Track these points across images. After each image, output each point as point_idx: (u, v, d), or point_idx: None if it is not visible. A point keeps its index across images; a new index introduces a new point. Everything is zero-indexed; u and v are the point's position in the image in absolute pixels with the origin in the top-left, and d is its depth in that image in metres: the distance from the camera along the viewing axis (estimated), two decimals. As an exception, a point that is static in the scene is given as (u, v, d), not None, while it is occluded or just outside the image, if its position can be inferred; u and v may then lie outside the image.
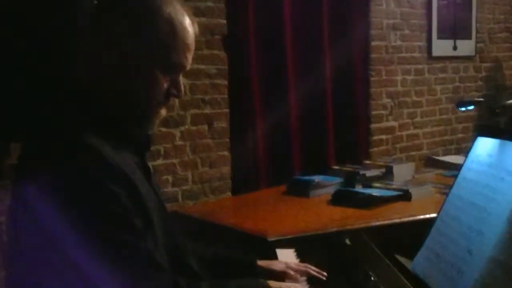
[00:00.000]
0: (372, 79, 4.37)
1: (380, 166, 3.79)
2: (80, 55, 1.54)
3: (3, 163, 2.60)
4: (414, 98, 4.69)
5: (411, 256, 1.83)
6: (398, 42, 4.53)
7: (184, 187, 3.40)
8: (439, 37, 4.77)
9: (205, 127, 3.47)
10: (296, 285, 1.79)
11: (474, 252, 1.50)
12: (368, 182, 3.56)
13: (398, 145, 4.59)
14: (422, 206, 3.14)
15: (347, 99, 4.18)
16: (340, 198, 3.25)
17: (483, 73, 5.23)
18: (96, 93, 1.45)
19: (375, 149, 4.41)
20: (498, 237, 1.44)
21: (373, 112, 4.40)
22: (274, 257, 2.13)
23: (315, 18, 3.93)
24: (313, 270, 1.88)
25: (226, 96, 3.54)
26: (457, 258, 1.56)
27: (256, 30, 3.62)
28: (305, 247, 2.25)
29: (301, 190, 3.44)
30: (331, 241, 2.23)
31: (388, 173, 3.71)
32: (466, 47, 5.02)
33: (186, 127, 3.39)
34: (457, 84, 5.02)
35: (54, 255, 1.28)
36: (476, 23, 5.09)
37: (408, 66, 4.62)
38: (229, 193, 3.60)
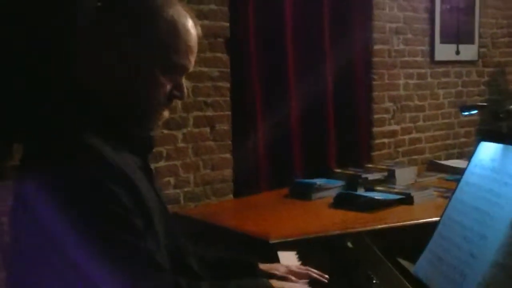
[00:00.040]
0: (374, 82, 4.36)
1: (382, 170, 3.79)
2: (80, 55, 1.54)
3: (4, 163, 2.60)
4: (417, 102, 4.68)
5: (413, 259, 1.82)
6: (401, 46, 4.53)
7: (186, 189, 3.40)
8: (442, 42, 4.77)
9: (207, 129, 3.47)
10: (298, 285, 1.78)
11: (477, 256, 1.50)
12: (370, 186, 3.56)
13: (400, 149, 4.58)
14: (424, 210, 3.14)
15: (349, 102, 4.18)
16: (342, 201, 3.25)
17: (486, 78, 5.22)
18: (96, 93, 1.44)
19: (377, 152, 4.41)
20: (501, 241, 1.44)
21: (376, 116, 4.39)
22: (276, 259, 2.12)
23: (317, 22, 3.93)
24: (314, 273, 1.88)
25: (228, 98, 3.54)
26: (460, 261, 1.56)
27: (258, 33, 3.62)
28: (307, 249, 2.25)
29: (303, 193, 3.44)
30: (333, 244, 2.23)
31: (390, 177, 3.71)
32: (469, 51, 5.02)
33: (188, 129, 3.39)
34: (459, 88, 5.01)
35: (54, 255, 1.28)
36: (479, 28, 5.08)
37: (410, 70, 4.62)
38: (231, 196, 3.60)
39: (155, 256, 1.36)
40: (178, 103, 3.26)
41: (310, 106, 3.88)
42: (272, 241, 2.59)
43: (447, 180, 3.87)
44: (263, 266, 1.87)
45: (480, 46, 5.11)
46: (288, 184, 3.60)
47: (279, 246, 2.44)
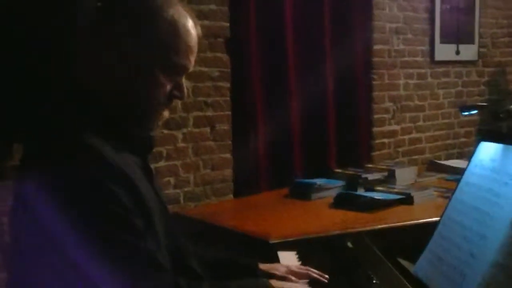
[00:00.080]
0: (374, 82, 4.36)
1: (382, 170, 3.79)
2: (80, 55, 1.54)
3: (4, 163, 2.60)
4: (417, 102, 4.68)
5: (413, 259, 1.82)
6: (401, 46, 4.53)
7: (186, 189, 3.40)
8: (442, 42, 4.77)
9: (207, 129, 3.47)
10: (298, 285, 1.79)
11: (477, 256, 1.50)
12: (370, 186, 3.56)
13: (400, 149, 4.58)
14: (424, 210, 3.14)
15: (349, 102, 4.18)
16: (342, 201, 3.25)
17: (486, 78, 5.22)
18: (96, 93, 1.44)
19: (377, 152, 4.41)
20: (501, 241, 1.44)
21: (376, 116, 4.39)
22: (276, 259, 2.13)
23: (318, 21, 3.93)
24: (314, 273, 1.88)
25: (228, 98, 3.54)
26: (460, 261, 1.56)
27: (258, 33, 3.62)
28: (307, 249, 2.25)
29: (303, 193, 3.44)
30: (333, 244, 2.23)
31: (390, 177, 3.71)
32: (469, 51, 5.02)
33: (189, 129, 3.39)
34: (459, 88, 5.01)
35: (54, 255, 1.28)
36: (479, 27, 5.08)
37: (410, 70, 4.62)
38: (231, 196, 3.60)
39: (155, 256, 1.36)
40: (178, 103, 3.26)
41: (310, 106, 3.87)
42: (272, 241, 2.59)
43: (447, 180, 3.87)
44: (263, 266, 1.87)
45: (480, 46, 5.11)
46: (288, 184, 3.60)
47: (279, 246, 2.44)
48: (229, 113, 3.55)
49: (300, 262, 2.08)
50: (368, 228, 2.79)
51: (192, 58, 1.51)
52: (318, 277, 1.87)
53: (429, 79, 4.76)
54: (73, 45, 2.27)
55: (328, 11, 3.97)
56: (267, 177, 3.72)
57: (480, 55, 5.13)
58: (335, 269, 1.95)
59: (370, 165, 3.99)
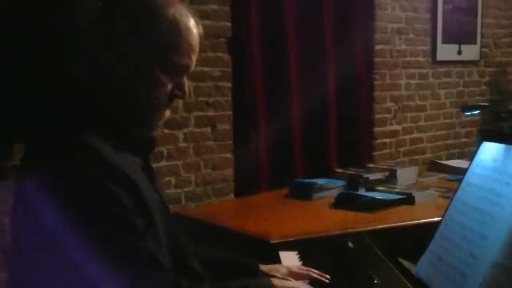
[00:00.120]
0: (376, 82, 4.36)
1: (383, 170, 3.79)
2: (80, 55, 1.54)
3: (5, 163, 2.60)
4: (418, 102, 4.68)
5: (414, 260, 1.82)
6: (403, 46, 4.53)
7: (186, 189, 3.40)
8: (443, 42, 4.76)
9: (209, 129, 3.47)
10: (300, 284, 1.78)
11: (478, 256, 1.50)
12: (371, 186, 3.56)
13: (401, 149, 4.58)
14: (425, 210, 3.14)
15: (350, 102, 4.18)
16: (343, 201, 3.25)
17: (487, 78, 5.22)
18: (96, 93, 1.44)
19: (379, 152, 4.41)
20: (502, 242, 1.44)
21: (377, 116, 4.39)
22: (277, 259, 2.12)
23: (319, 22, 3.93)
24: (315, 273, 1.88)
25: (229, 98, 3.54)
26: (461, 262, 1.55)
27: (260, 33, 3.62)
28: (308, 249, 2.25)
29: (304, 193, 3.44)
30: (334, 244, 2.23)
31: (391, 177, 3.71)
32: (470, 51, 5.01)
33: (190, 129, 3.39)
34: (461, 88, 5.01)
35: (54, 255, 1.28)
36: (481, 28, 5.08)
37: (412, 70, 4.62)
38: (232, 195, 3.60)
39: (156, 256, 1.36)
40: (179, 103, 3.26)
41: (312, 106, 3.87)
42: (273, 241, 2.59)
43: (448, 180, 3.87)
44: (264, 268, 1.87)
45: (482, 46, 5.11)
46: (289, 184, 3.60)
47: (280, 246, 2.44)
48: (230, 113, 3.55)
49: (301, 262, 2.08)
50: (369, 228, 2.79)
51: (194, 58, 1.50)
52: (319, 277, 1.86)
53: (431, 79, 4.76)
54: (73, 45, 2.27)
55: (330, 11, 3.97)
56: (268, 177, 3.72)
57: (481, 55, 5.13)
58: (336, 269, 1.94)
59: (371, 165, 3.99)
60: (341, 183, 3.59)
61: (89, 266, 1.25)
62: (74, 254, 1.25)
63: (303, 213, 3.16)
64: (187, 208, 3.37)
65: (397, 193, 3.36)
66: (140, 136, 1.51)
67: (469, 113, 3.51)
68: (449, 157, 4.84)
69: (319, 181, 3.53)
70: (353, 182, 3.58)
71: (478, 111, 3.48)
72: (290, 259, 2.13)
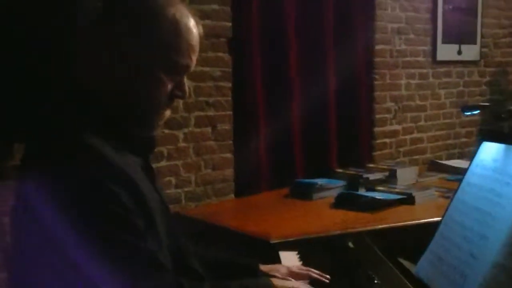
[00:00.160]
0: (376, 82, 4.36)
1: (383, 170, 3.78)
2: (80, 55, 1.54)
3: (5, 163, 2.60)
4: (418, 102, 4.68)
5: (414, 260, 1.82)
6: (403, 46, 4.53)
7: (187, 189, 3.40)
8: (443, 42, 4.76)
9: (209, 129, 3.47)
10: (300, 284, 1.78)
11: (478, 256, 1.50)
12: (371, 186, 3.56)
13: (401, 149, 4.58)
14: (425, 210, 3.14)
15: (350, 102, 4.18)
16: (343, 201, 3.25)
17: (488, 78, 5.22)
18: (96, 93, 1.44)
19: (379, 152, 4.41)
20: (502, 242, 1.43)
21: (377, 116, 4.39)
22: (277, 259, 2.12)
23: (319, 22, 3.93)
24: (315, 273, 1.88)
25: (230, 98, 3.53)
26: (461, 262, 1.55)
27: (260, 33, 3.62)
28: (308, 250, 2.25)
29: (304, 193, 3.44)
30: (334, 244, 2.23)
31: (391, 177, 3.71)
32: (470, 51, 5.01)
33: (190, 129, 3.39)
34: (461, 88, 5.01)
35: (54, 255, 1.28)
36: (481, 28, 5.08)
37: (412, 70, 4.62)
38: (232, 195, 3.60)
39: (156, 256, 1.36)
40: (179, 103, 3.25)
41: (312, 106, 3.87)
42: (273, 241, 2.59)
43: (448, 180, 3.87)
44: (264, 268, 1.87)
45: (482, 46, 5.11)
46: (289, 184, 3.60)
47: (280, 246, 2.44)
48: (231, 113, 3.55)
49: (301, 262, 2.08)
50: (369, 228, 2.79)
51: (194, 57, 1.50)
52: (319, 277, 1.86)
53: (431, 79, 4.76)
54: (73, 45, 2.27)
55: (330, 11, 3.96)
56: (268, 177, 3.72)
57: (482, 55, 5.13)
58: (336, 269, 1.94)
59: (371, 165, 3.99)
60: (341, 183, 3.58)
61: (89, 266, 1.25)
62: (74, 254, 1.25)
63: (303, 213, 3.16)
64: (187, 208, 3.37)
65: (397, 193, 3.36)
66: (140, 136, 1.51)
67: (469, 113, 3.52)
68: (449, 157, 4.84)
69: (319, 181, 3.53)
70: (353, 182, 3.58)
71: (478, 111, 3.49)
72: (290, 259, 2.13)
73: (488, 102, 4.97)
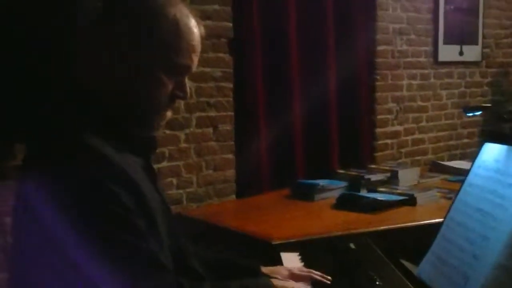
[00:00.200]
0: (377, 83, 4.36)
1: (385, 171, 3.78)
2: (80, 55, 1.54)
3: (6, 163, 2.60)
4: (420, 103, 4.68)
5: (415, 261, 1.82)
6: (404, 47, 4.52)
7: (188, 190, 3.40)
8: (445, 43, 4.76)
9: (210, 130, 3.47)
10: (300, 285, 1.78)
11: (480, 258, 1.49)
12: (373, 187, 3.55)
13: (403, 150, 4.58)
14: (427, 211, 3.13)
15: (352, 103, 4.17)
16: (345, 202, 3.24)
17: (489, 79, 5.21)
18: (96, 93, 1.44)
19: (380, 153, 4.40)
20: (504, 243, 1.43)
21: (378, 117, 4.39)
22: (278, 260, 2.12)
23: (321, 22, 3.92)
24: (316, 274, 1.87)
25: (231, 99, 3.53)
26: (462, 263, 1.55)
27: (261, 34, 3.62)
28: (309, 251, 2.25)
29: (306, 193, 3.43)
30: (335, 245, 2.22)
31: (393, 178, 3.70)
32: (472, 52, 5.01)
33: (191, 129, 3.39)
34: (463, 89, 5.00)
35: (54, 255, 1.28)
36: (483, 28, 5.07)
37: (414, 71, 4.61)
38: (233, 196, 3.60)
39: (157, 257, 1.36)
40: (181, 104, 3.26)
41: (313, 106, 3.87)
42: (274, 242, 2.58)
43: (450, 181, 3.86)
44: (265, 270, 1.86)
45: (483, 47, 5.10)
46: (291, 185, 3.59)
47: (281, 247, 2.43)
48: (232, 113, 3.55)
49: (302, 264, 2.08)
50: (370, 229, 2.78)
51: (195, 58, 1.50)
52: (320, 278, 1.86)
53: (432, 80, 4.75)
54: (73, 45, 2.27)
55: (331, 11, 3.96)
56: (270, 177, 3.71)
57: (483, 56, 5.12)
58: (338, 270, 1.94)
59: (372, 166, 3.98)
60: (342, 184, 3.58)
61: (89, 266, 1.24)
62: (74, 254, 1.25)
63: (304, 214, 3.15)
64: (188, 209, 3.37)
65: (399, 194, 3.35)
66: (140, 136, 1.51)
67: (471, 114, 3.51)
68: (451, 158, 4.84)
69: (321, 182, 3.52)
70: (355, 183, 3.57)
71: (480, 112, 3.48)
72: (291, 260, 2.13)
73: (490, 103, 4.98)
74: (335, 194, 3.41)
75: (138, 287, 1.29)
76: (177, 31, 1.44)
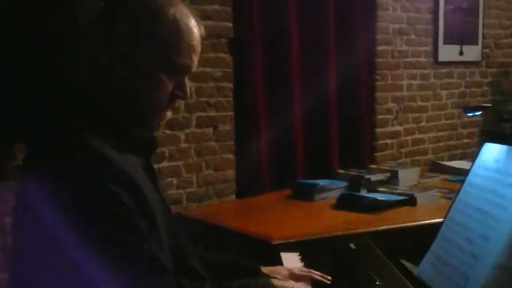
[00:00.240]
0: (377, 83, 4.35)
1: (385, 171, 3.78)
2: (80, 55, 1.54)
3: (6, 163, 2.60)
4: (420, 103, 4.67)
5: (415, 261, 1.82)
6: (404, 47, 4.52)
7: (188, 190, 3.40)
8: (445, 42, 4.76)
9: (210, 129, 3.47)
10: (300, 284, 1.78)
11: (480, 258, 1.49)
12: (373, 187, 3.55)
13: (403, 150, 4.57)
14: (427, 211, 3.13)
15: (352, 103, 4.17)
16: (345, 202, 3.25)
17: (489, 79, 5.21)
18: (96, 93, 1.44)
19: (380, 153, 4.40)
20: (504, 243, 1.43)
21: (379, 117, 4.39)
22: (279, 260, 2.12)
23: (321, 22, 3.92)
24: (317, 274, 1.87)
25: (231, 99, 3.53)
26: (462, 263, 1.55)
27: (262, 34, 3.61)
28: (309, 251, 2.25)
29: (306, 194, 3.44)
30: (335, 245, 2.22)
31: (393, 178, 3.71)
32: (472, 52, 5.01)
33: (191, 129, 3.39)
34: (463, 89, 5.00)
35: (54, 255, 1.28)
36: (483, 28, 5.07)
37: (414, 71, 4.61)
38: (233, 196, 3.59)
39: (157, 257, 1.36)
40: (181, 104, 3.26)
41: (313, 106, 3.87)
42: (274, 242, 2.58)
43: (450, 181, 3.87)
44: (265, 270, 1.86)
45: (483, 47, 5.10)
46: (291, 185, 3.59)
47: (281, 247, 2.43)
48: (232, 113, 3.55)
49: (302, 264, 2.08)
50: (370, 229, 2.78)
51: (195, 58, 1.50)
52: (320, 278, 1.86)
53: (432, 80, 4.75)
54: (73, 45, 2.27)
55: (332, 11, 3.96)
56: (270, 177, 3.71)
57: (483, 56, 5.12)
58: (338, 270, 1.94)
59: (373, 166, 3.98)
60: (343, 184, 3.58)
61: (89, 266, 1.24)
62: (74, 254, 1.25)
63: (304, 214, 3.15)
64: (188, 209, 3.37)
65: (399, 194, 3.35)
66: (140, 136, 1.51)
67: (471, 114, 3.51)
68: (451, 158, 4.84)
69: (321, 182, 3.52)
70: (355, 183, 3.58)
71: (480, 112, 3.48)
72: (291, 260, 2.13)
73: (490, 103, 4.97)
74: (335, 194, 3.41)
75: (138, 287, 1.29)
76: (177, 31, 1.44)
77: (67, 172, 1.29)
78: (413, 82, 4.61)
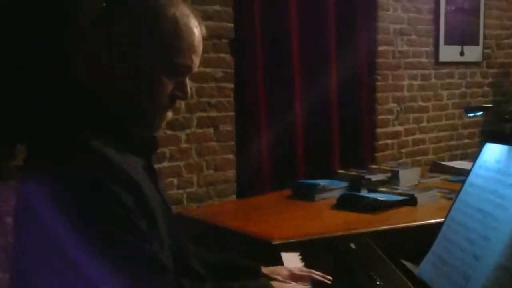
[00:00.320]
0: (378, 84, 4.36)
1: (385, 171, 3.78)
2: (80, 55, 1.54)
3: (6, 163, 2.60)
4: (420, 103, 4.68)
5: (416, 261, 1.82)
6: (405, 47, 4.52)
7: (189, 190, 3.40)
8: (446, 43, 4.76)
9: (211, 130, 3.47)
10: (300, 286, 1.78)
11: (481, 258, 1.49)
12: (373, 187, 3.55)
13: (403, 150, 4.58)
14: (427, 211, 3.13)
15: (353, 103, 4.17)
16: (345, 202, 3.24)
17: (490, 79, 5.21)
18: (96, 93, 1.44)
19: (381, 153, 4.40)
20: (505, 243, 1.43)
21: (379, 117, 4.39)
22: (279, 260, 2.12)
23: (322, 23, 3.92)
24: (317, 275, 1.87)
25: (232, 99, 3.53)
26: (463, 263, 1.55)
27: (262, 34, 3.61)
28: (310, 251, 2.25)
29: (306, 194, 3.43)
30: (336, 245, 2.22)
31: (393, 178, 3.70)
32: (473, 53, 5.01)
33: (192, 130, 3.39)
34: (463, 89, 5.00)
35: (54, 255, 1.28)
36: (484, 29, 5.07)
37: (414, 71, 4.61)
38: (234, 196, 3.60)
39: (157, 257, 1.35)
40: (182, 104, 3.26)
41: (314, 107, 3.87)
42: (275, 242, 2.58)
43: (450, 181, 3.86)
44: (265, 270, 1.86)
45: (484, 47, 5.10)
46: (291, 185, 3.59)
47: (282, 247, 2.43)
48: (233, 114, 3.55)
49: (303, 264, 2.08)
50: (371, 229, 2.78)
51: (196, 58, 1.50)
52: (321, 279, 1.86)
53: (433, 80, 4.75)
54: (73, 45, 2.27)
55: (333, 12, 3.96)
56: (270, 178, 3.71)
57: (484, 56, 5.12)
58: (338, 270, 1.94)
59: (373, 166, 3.98)
60: (343, 184, 3.58)
61: (89, 266, 1.24)
62: (74, 254, 1.25)
63: (305, 214, 3.15)
64: (189, 209, 3.37)
65: (400, 194, 3.35)
66: (141, 137, 1.51)
67: (472, 114, 3.51)
68: (452, 158, 4.84)
69: (321, 182, 3.52)
70: (355, 183, 3.57)
71: (481, 112, 3.48)
72: (292, 260, 2.12)
73: (490, 104, 4.97)
74: (336, 194, 3.41)
75: (139, 287, 1.29)
76: (177, 31, 1.44)
77: (67, 172, 1.29)
78: (414, 82, 4.61)
